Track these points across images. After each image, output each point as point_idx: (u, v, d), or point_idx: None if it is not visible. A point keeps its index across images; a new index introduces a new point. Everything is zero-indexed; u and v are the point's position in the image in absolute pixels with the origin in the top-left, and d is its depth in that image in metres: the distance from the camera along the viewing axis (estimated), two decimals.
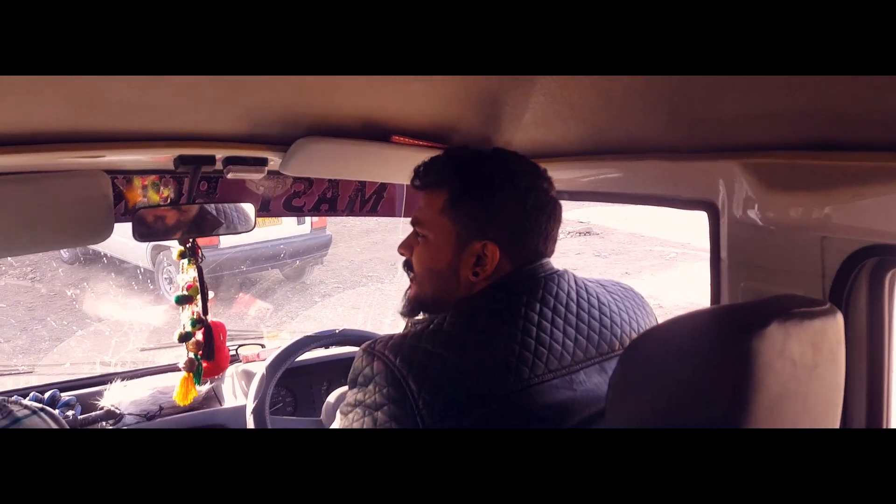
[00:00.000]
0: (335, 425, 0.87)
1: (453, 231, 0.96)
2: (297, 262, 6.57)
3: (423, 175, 1.01)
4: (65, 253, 6.98)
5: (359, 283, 6.66)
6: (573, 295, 0.92)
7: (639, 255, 7.68)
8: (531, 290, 0.89)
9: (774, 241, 0.97)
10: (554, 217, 0.99)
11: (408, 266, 1.03)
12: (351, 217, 1.80)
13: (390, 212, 1.74)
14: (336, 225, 7.38)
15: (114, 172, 1.29)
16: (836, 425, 0.75)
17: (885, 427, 0.92)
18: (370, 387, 0.82)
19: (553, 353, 0.84)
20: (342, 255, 7.35)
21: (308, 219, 6.51)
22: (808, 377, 0.68)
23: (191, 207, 1.31)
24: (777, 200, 0.92)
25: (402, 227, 1.34)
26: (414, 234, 1.01)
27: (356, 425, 0.83)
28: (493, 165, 0.97)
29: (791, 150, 0.91)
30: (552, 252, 0.99)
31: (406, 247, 1.02)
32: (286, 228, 6.38)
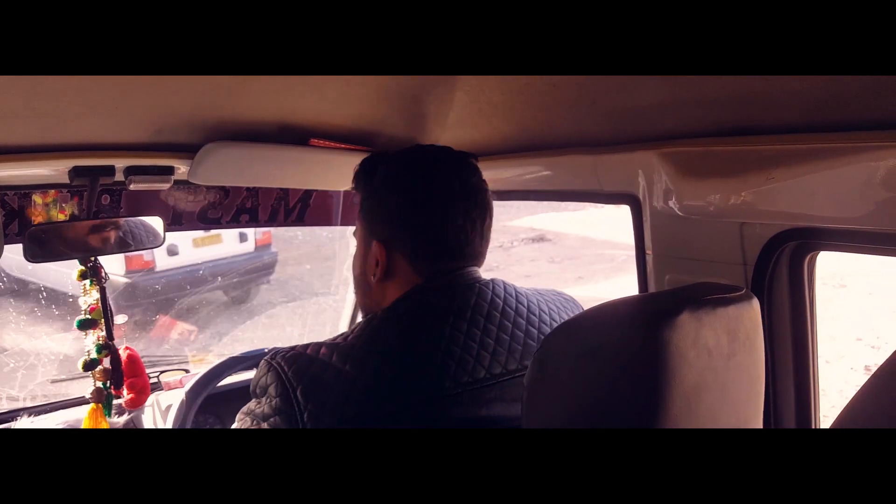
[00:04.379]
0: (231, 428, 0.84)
1: (362, 234, 0.93)
2: (242, 281, 6.38)
3: (353, 179, 0.96)
4: None
5: (298, 297, 6.54)
6: (498, 305, 0.85)
7: (591, 260, 7.79)
8: (445, 302, 0.83)
9: (695, 230, 0.96)
10: (475, 211, 0.88)
11: None
12: (284, 227, 1.73)
13: (323, 220, 1.67)
14: (283, 242, 7.24)
15: (3, 188, 1.20)
16: (759, 415, 0.72)
17: (813, 412, 0.91)
18: (263, 398, 0.80)
19: (463, 367, 0.79)
20: (290, 272, 7.21)
21: (252, 237, 6.34)
22: (725, 366, 0.65)
23: (90, 224, 1.22)
24: (695, 189, 0.91)
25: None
26: None
27: None
28: (393, 161, 0.91)
29: (706, 136, 0.89)
30: (482, 251, 0.91)
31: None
32: (228, 248, 6.18)
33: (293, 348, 0.82)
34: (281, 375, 0.78)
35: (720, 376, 0.65)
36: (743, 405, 0.69)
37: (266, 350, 1.54)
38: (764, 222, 0.87)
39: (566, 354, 0.65)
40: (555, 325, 0.89)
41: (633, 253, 1.12)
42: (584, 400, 0.63)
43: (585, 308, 1.00)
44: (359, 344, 0.81)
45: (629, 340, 0.61)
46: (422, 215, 0.87)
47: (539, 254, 8.24)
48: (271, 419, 0.77)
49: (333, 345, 0.81)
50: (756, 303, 0.70)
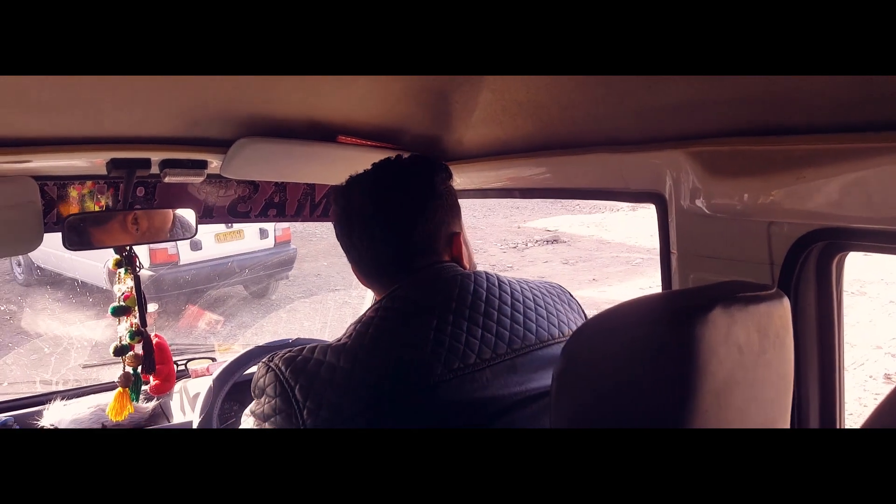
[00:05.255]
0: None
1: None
2: (261, 276, 6.44)
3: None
4: (20, 275, 6.75)
5: (317, 293, 6.58)
6: (481, 294, 0.89)
7: (606, 262, 7.76)
8: (428, 294, 0.88)
9: (722, 229, 0.96)
10: (432, 212, 0.95)
11: None
12: (307, 223, 1.75)
13: None
14: (301, 239, 7.28)
15: (43, 178, 1.23)
16: (787, 412, 0.73)
17: (837, 413, 0.91)
18: (263, 398, 0.83)
19: (454, 354, 0.82)
20: (308, 269, 7.25)
21: (271, 233, 6.40)
22: (755, 363, 0.66)
23: (126, 214, 1.25)
24: (723, 188, 0.91)
25: None
26: None
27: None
28: (348, 182, 0.99)
29: (735, 136, 0.90)
30: (456, 250, 0.97)
31: None
32: (249, 243, 6.26)
33: (289, 350, 0.86)
34: (279, 376, 0.82)
35: (750, 374, 0.65)
36: (771, 403, 0.70)
37: (290, 339, 1.57)
38: (792, 222, 0.87)
39: (595, 349, 0.66)
40: (539, 309, 0.94)
41: (649, 256, 1.13)
42: (611, 394, 0.64)
43: (574, 297, 1.03)
44: (350, 341, 0.84)
45: (660, 336, 0.61)
46: (390, 219, 0.93)
47: (553, 255, 8.22)
48: (272, 419, 0.81)
49: (327, 345, 0.85)
50: (786, 301, 0.70)
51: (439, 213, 0.95)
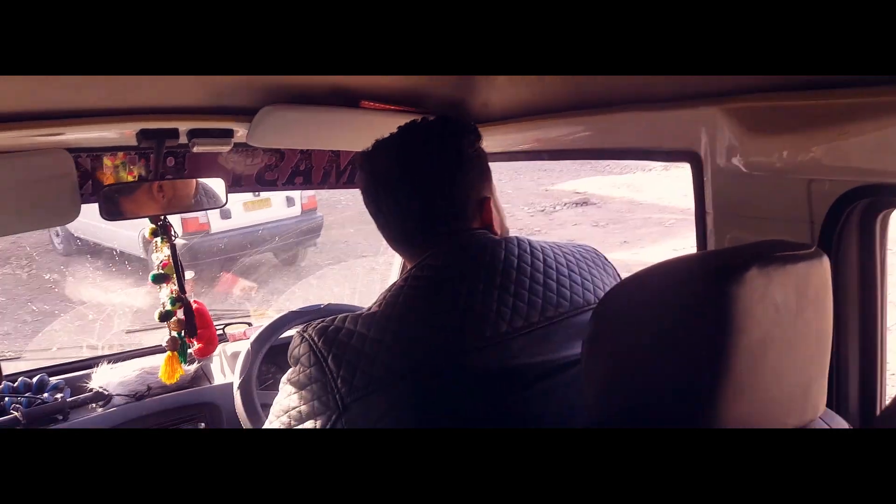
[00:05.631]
0: (277, 397, 0.89)
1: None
2: (290, 243, 6.53)
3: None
4: (59, 245, 6.93)
5: (344, 259, 6.65)
6: (513, 262, 0.88)
7: (637, 224, 7.66)
8: (459, 262, 0.87)
9: (760, 188, 0.94)
10: (461, 177, 0.93)
11: None
12: (332, 190, 1.75)
13: None
14: (328, 207, 7.33)
15: (76, 150, 1.25)
16: (825, 373, 0.71)
17: (878, 373, 0.89)
18: (297, 367, 0.85)
19: (486, 321, 0.82)
20: (335, 236, 7.32)
21: (298, 201, 6.46)
22: (792, 323, 0.65)
23: (158, 184, 1.27)
24: (761, 145, 0.89)
25: None
26: None
27: (286, 402, 0.85)
28: (374, 146, 0.97)
29: (773, 91, 0.87)
30: (487, 216, 0.95)
31: None
32: (276, 211, 6.34)
33: (322, 320, 0.86)
34: (312, 346, 0.83)
35: (787, 333, 0.64)
36: (808, 363, 0.69)
37: (322, 305, 1.60)
38: (834, 179, 0.85)
39: (628, 309, 0.65)
40: (573, 275, 0.92)
41: (682, 216, 1.11)
42: (644, 354, 0.63)
43: (609, 260, 1.02)
44: (381, 310, 0.84)
45: (694, 295, 0.61)
46: (417, 184, 0.92)
47: (583, 218, 8.13)
48: (308, 387, 0.83)
49: (358, 315, 0.85)
50: (826, 261, 0.68)
51: (469, 176, 0.94)
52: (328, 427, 0.81)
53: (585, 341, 0.67)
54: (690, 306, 0.61)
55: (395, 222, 0.94)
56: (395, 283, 0.89)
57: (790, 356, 0.66)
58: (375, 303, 0.87)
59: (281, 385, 0.87)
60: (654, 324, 0.63)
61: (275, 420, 0.87)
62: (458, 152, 0.93)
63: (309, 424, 0.82)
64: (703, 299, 0.60)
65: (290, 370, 0.87)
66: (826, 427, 0.74)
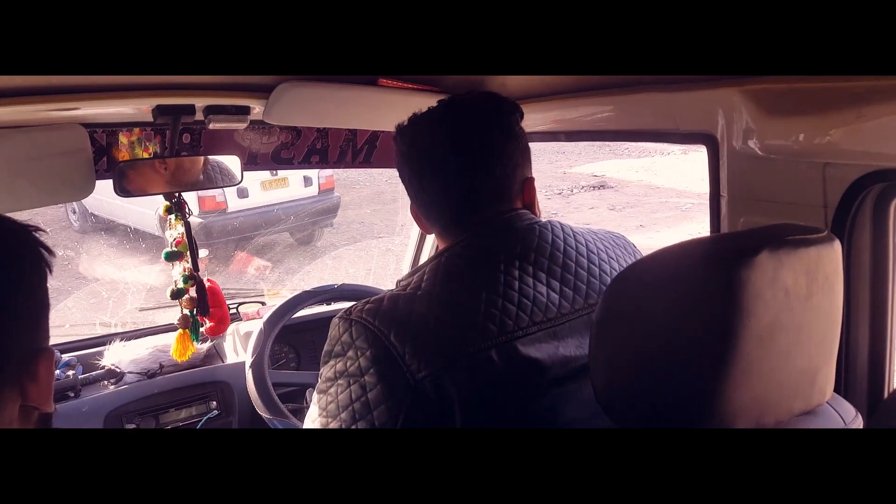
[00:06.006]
0: (312, 407, 0.82)
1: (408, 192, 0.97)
2: (306, 223, 6.55)
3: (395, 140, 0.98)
4: (75, 222, 7.00)
5: (360, 240, 6.66)
6: (559, 245, 0.86)
7: (654, 208, 7.60)
8: (506, 243, 0.84)
9: (775, 171, 0.93)
10: (509, 155, 0.89)
11: None
12: (349, 169, 1.75)
13: (389, 162, 1.68)
14: (345, 187, 7.35)
15: (92, 126, 1.26)
16: (833, 358, 0.71)
17: (888, 358, 0.88)
18: (350, 353, 0.78)
19: (537, 306, 0.80)
20: (352, 216, 7.34)
21: (315, 181, 6.46)
22: (802, 308, 0.64)
23: (174, 161, 1.28)
24: (777, 127, 0.88)
25: None
26: None
27: (344, 397, 0.78)
28: (416, 120, 0.92)
29: (791, 73, 0.85)
30: (529, 196, 0.92)
31: None
32: (294, 191, 6.35)
33: (367, 302, 0.81)
34: (369, 327, 0.77)
35: (796, 317, 0.64)
36: (817, 348, 0.68)
37: (335, 285, 1.60)
38: (849, 163, 0.84)
39: (637, 292, 0.65)
40: (612, 262, 0.90)
41: (699, 200, 1.10)
42: (653, 337, 0.63)
43: (637, 248, 1.01)
44: (434, 289, 0.81)
45: (704, 279, 0.60)
46: (467, 161, 0.87)
47: (599, 201, 8.08)
48: (371, 371, 0.76)
49: (407, 294, 0.81)
50: (838, 245, 0.68)
51: (515, 155, 0.89)
52: (403, 408, 0.74)
53: (594, 324, 0.67)
54: (699, 290, 0.60)
55: (438, 199, 0.89)
56: (438, 262, 0.84)
57: (799, 340, 0.65)
58: (413, 283, 0.83)
59: (325, 384, 0.80)
60: (663, 307, 0.63)
61: (332, 422, 0.78)
62: (507, 129, 0.89)
63: (380, 411, 0.75)
64: (711, 283, 0.60)
65: (335, 362, 0.79)
66: (833, 411, 0.74)
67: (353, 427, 0.77)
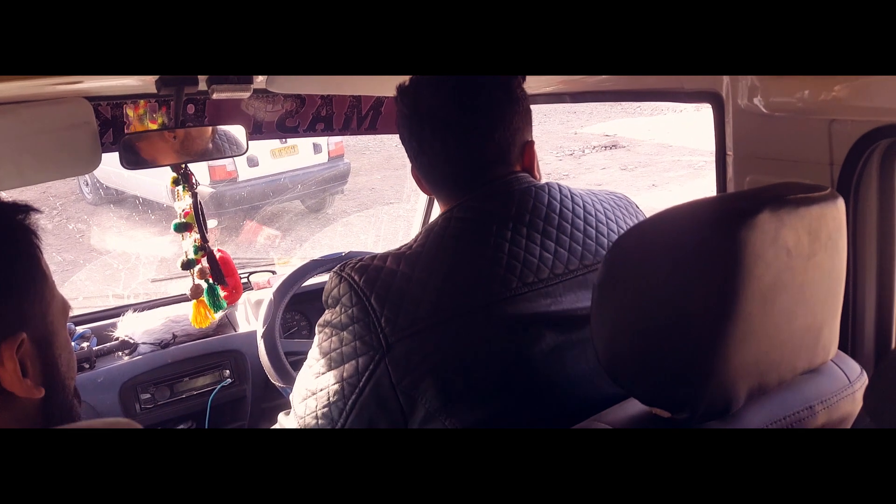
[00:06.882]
0: (315, 341, 0.87)
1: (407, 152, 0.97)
2: (317, 191, 6.54)
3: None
4: (88, 195, 7.04)
5: (371, 206, 6.65)
6: (555, 206, 0.86)
7: (666, 167, 7.52)
8: (502, 206, 0.85)
9: (781, 129, 0.92)
10: (510, 118, 0.89)
11: None
12: (354, 136, 1.74)
13: (392, 128, 1.67)
14: (355, 153, 7.31)
15: (96, 99, 1.26)
16: (837, 316, 0.71)
17: (894, 315, 0.88)
18: (337, 307, 0.83)
19: (528, 267, 0.81)
20: (363, 182, 7.33)
21: (325, 148, 6.44)
22: (804, 266, 0.64)
23: (183, 131, 1.28)
24: (783, 84, 0.87)
25: None
26: None
27: (325, 344, 0.84)
28: (417, 80, 0.90)
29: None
30: (528, 160, 0.92)
31: None
32: (303, 158, 6.33)
33: (360, 259, 0.84)
34: (353, 286, 0.81)
35: (798, 276, 0.64)
36: (820, 306, 0.69)
37: (343, 253, 1.61)
38: (856, 119, 0.82)
39: (639, 254, 0.65)
40: (610, 223, 0.91)
41: (712, 158, 1.09)
42: (655, 298, 0.64)
43: (642, 209, 1.00)
44: (424, 250, 0.83)
45: (704, 240, 0.60)
46: (470, 124, 0.87)
47: (611, 161, 8.00)
48: (349, 327, 0.81)
49: (398, 254, 0.83)
50: (841, 203, 0.67)
51: (516, 119, 0.89)
52: (371, 367, 0.79)
53: (596, 286, 0.68)
54: (701, 251, 0.61)
55: (439, 162, 0.89)
56: (434, 223, 0.86)
57: (801, 299, 0.66)
58: (415, 242, 0.85)
59: (318, 328, 0.86)
60: (665, 269, 0.63)
61: (314, 364, 0.86)
62: (510, 92, 0.89)
63: (350, 365, 0.81)
64: (713, 244, 0.60)
65: (327, 312, 0.85)
66: (837, 369, 0.74)
67: (324, 373, 0.84)
